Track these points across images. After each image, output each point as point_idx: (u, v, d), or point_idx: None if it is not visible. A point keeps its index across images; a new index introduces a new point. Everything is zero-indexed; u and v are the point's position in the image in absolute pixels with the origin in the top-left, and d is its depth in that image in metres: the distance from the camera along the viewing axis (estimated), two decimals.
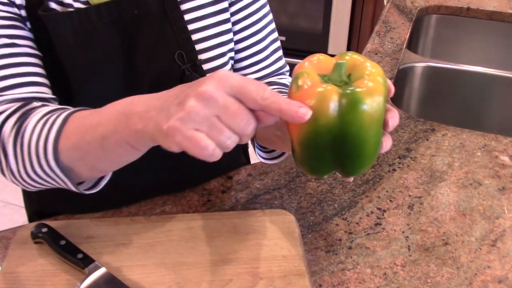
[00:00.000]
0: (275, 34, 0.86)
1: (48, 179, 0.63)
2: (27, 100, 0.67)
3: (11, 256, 0.69)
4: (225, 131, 0.48)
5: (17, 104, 0.66)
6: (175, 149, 0.50)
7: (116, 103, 0.58)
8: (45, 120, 0.62)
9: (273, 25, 0.86)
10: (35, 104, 0.67)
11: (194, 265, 0.68)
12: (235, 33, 0.81)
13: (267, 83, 0.83)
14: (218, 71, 0.50)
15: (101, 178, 0.68)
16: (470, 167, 0.90)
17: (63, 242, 0.69)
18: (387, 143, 0.57)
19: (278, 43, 0.87)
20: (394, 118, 0.56)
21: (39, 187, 0.67)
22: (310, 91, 0.51)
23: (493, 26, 1.50)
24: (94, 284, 0.64)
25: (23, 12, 0.68)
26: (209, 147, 0.48)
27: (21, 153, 0.63)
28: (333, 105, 0.51)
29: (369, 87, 0.52)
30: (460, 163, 0.91)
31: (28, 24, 0.69)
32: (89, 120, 0.60)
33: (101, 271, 0.66)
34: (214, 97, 0.48)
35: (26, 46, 0.68)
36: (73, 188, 0.64)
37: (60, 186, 0.65)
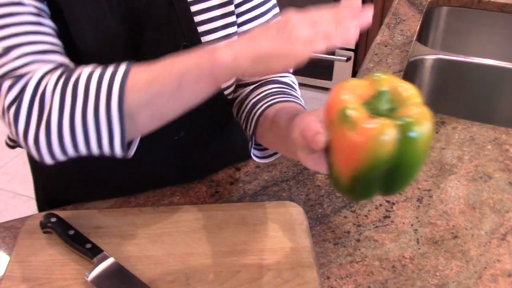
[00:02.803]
0: None
1: (92, 133, 0.58)
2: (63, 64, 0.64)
3: (20, 245, 0.69)
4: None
5: (56, 64, 0.63)
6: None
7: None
8: (104, 67, 0.59)
9: None
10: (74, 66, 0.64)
11: (202, 256, 0.68)
12: (239, 25, 0.81)
13: (268, 81, 0.83)
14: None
15: (130, 144, 0.64)
16: (480, 161, 0.90)
17: (71, 232, 0.69)
18: None
19: None
20: None
21: (67, 152, 0.61)
22: (368, 128, 0.51)
23: (504, 18, 1.48)
24: (103, 274, 0.65)
25: None
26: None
27: (73, 98, 0.58)
28: (393, 139, 0.50)
29: (419, 114, 0.52)
30: (470, 156, 0.91)
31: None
32: (164, 62, 0.59)
33: (110, 261, 0.66)
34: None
35: (50, 27, 0.67)
36: (118, 146, 0.59)
37: (94, 150, 0.60)
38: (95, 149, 0.61)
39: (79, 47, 0.70)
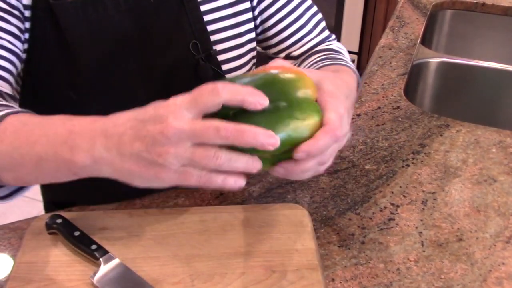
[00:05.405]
0: (314, 9, 0.87)
1: None
2: None
3: (25, 246, 0.70)
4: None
5: None
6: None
7: (62, 121, 0.55)
8: None
9: (309, 1, 0.87)
10: None
11: (207, 258, 0.68)
12: (271, 16, 0.82)
13: (314, 52, 0.83)
14: None
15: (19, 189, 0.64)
16: (485, 163, 0.90)
17: (77, 233, 0.69)
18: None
19: (319, 16, 0.87)
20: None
21: None
22: None
23: (509, 21, 1.48)
24: (108, 275, 0.65)
25: (27, 13, 0.67)
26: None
27: None
28: None
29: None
30: (475, 159, 0.90)
31: (27, 24, 0.68)
32: (29, 131, 0.55)
33: (115, 262, 0.66)
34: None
35: (5, 40, 0.66)
36: None
37: None
38: None
39: (78, 57, 0.69)
